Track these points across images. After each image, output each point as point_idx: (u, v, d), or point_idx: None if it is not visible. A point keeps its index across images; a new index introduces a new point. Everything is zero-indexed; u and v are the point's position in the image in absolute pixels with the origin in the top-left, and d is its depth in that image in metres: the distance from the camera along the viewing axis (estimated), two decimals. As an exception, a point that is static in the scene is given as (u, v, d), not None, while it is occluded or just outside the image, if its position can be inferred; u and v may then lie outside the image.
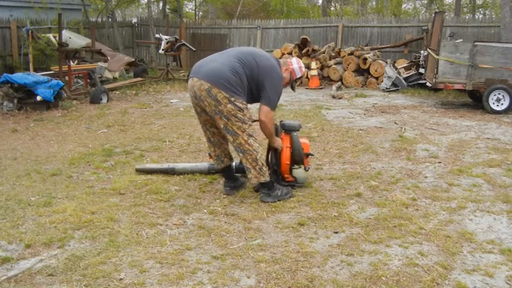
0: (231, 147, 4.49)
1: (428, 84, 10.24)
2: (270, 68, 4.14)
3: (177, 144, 6.32)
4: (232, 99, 3.97)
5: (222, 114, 4.01)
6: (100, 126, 7.48)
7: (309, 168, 4.58)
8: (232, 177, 4.53)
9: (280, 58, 5.08)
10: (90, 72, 10.76)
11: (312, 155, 4.71)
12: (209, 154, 4.66)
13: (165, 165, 5.07)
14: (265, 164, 4.25)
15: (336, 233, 3.62)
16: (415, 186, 4.70)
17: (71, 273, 2.98)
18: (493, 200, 4.35)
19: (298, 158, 4.48)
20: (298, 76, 4.48)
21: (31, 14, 13.26)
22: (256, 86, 4.11)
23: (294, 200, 4.27)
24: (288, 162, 4.49)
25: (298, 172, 4.54)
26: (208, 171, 4.93)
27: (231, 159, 4.51)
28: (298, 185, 4.56)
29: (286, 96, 10.55)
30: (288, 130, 4.55)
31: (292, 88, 4.58)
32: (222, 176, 4.65)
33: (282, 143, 4.49)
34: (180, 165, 5.04)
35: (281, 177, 4.56)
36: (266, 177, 4.20)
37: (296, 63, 4.44)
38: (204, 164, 5.03)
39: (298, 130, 4.59)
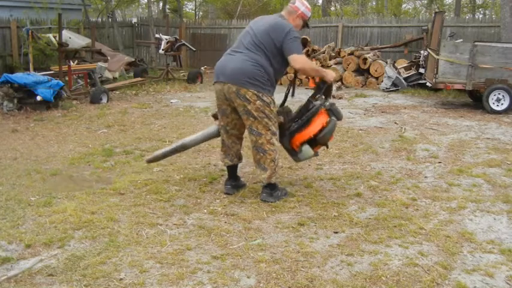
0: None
1: (428, 84, 10.24)
2: (282, 31, 4.05)
3: (177, 144, 6.31)
4: (260, 94, 4.02)
5: (250, 114, 4.07)
6: (100, 126, 7.48)
7: (317, 154, 4.47)
8: (235, 176, 4.54)
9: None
10: (90, 72, 10.76)
11: (327, 147, 4.48)
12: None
13: (174, 145, 4.80)
14: (279, 165, 4.26)
15: (336, 233, 3.62)
16: (415, 186, 4.70)
17: (71, 273, 2.98)
18: (493, 200, 4.35)
19: (322, 141, 4.26)
20: (308, 15, 4.34)
21: (31, 14, 13.25)
22: (282, 54, 4.06)
23: (294, 200, 4.28)
24: (311, 136, 4.22)
25: (307, 150, 4.29)
26: (218, 134, 4.61)
27: (240, 159, 4.51)
28: (295, 158, 4.38)
29: (286, 96, 10.54)
30: (332, 113, 4.27)
31: (307, 26, 4.44)
32: (227, 172, 4.60)
33: (319, 119, 4.22)
34: (188, 139, 4.75)
35: (289, 143, 4.31)
36: (276, 180, 4.25)
37: (302, 6, 4.30)
38: (213, 127, 4.70)
39: (339, 119, 4.35)
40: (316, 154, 4.43)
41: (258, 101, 4.01)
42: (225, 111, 4.27)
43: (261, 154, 4.17)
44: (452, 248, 3.40)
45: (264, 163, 4.18)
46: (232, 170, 4.51)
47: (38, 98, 8.33)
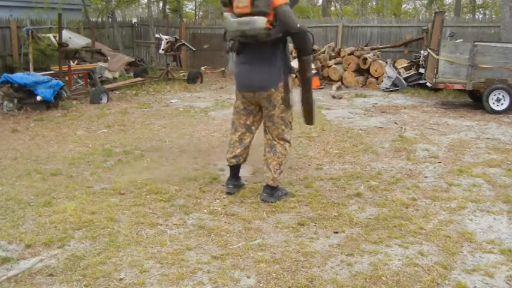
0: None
1: (428, 84, 10.24)
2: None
3: (177, 144, 6.31)
4: (286, 92, 4.16)
5: (271, 117, 4.22)
6: (100, 126, 7.48)
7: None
8: (237, 175, 4.55)
9: None
10: (90, 72, 10.75)
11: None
12: None
13: None
14: (284, 171, 4.32)
15: (336, 233, 3.62)
16: (415, 186, 4.70)
17: (71, 273, 2.99)
18: (493, 200, 4.35)
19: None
20: None
21: (31, 14, 13.24)
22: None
23: (294, 200, 4.28)
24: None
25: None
26: None
27: (245, 160, 4.53)
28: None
29: (286, 96, 10.53)
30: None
31: None
32: (230, 172, 4.56)
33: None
34: None
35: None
36: (279, 183, 4.29)
37: None
38: None
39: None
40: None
41: (284, 105, 4.16)
42: (252, 111, 4.35)
43: (271, 154, 4.25)
44: (452, 248, 3.40)
45: (270, 164, 4.24)
46: (235, 169, 4.51)
47: (38, 98, 8.33)
